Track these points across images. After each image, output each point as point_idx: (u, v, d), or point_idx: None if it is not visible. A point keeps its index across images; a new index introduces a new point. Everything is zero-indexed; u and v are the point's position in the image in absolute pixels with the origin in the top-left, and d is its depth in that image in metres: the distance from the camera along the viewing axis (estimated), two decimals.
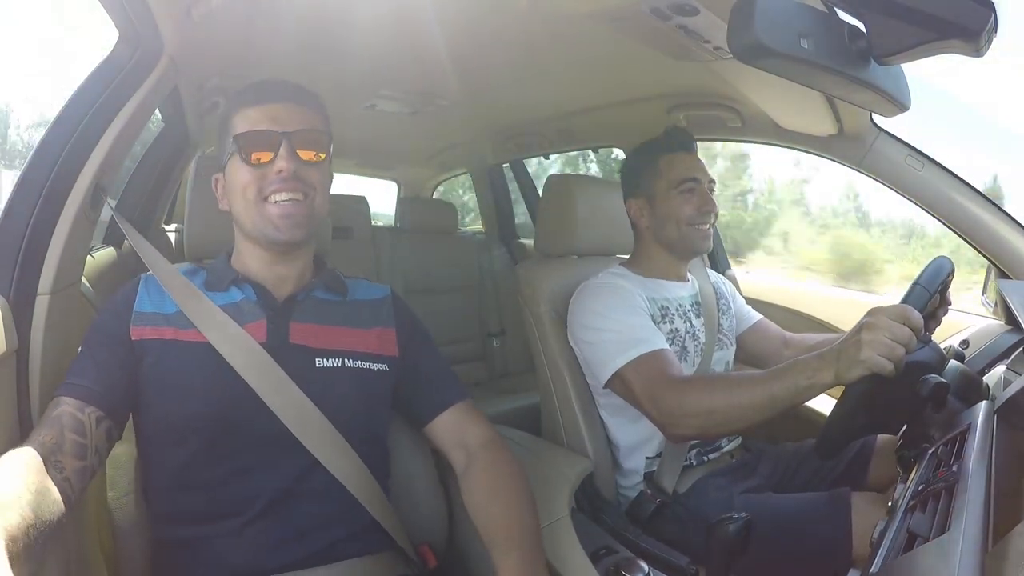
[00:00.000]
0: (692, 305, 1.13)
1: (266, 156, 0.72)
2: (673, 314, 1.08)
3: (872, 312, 0.71)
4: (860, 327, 0.70)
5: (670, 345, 1.04)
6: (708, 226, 1.09)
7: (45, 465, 0.56)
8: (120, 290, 0.75)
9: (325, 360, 0.75)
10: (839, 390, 0.74)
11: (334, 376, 0.75)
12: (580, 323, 1.04)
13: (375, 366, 0.79)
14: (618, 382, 0.97)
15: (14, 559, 0.45)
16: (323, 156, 0.76)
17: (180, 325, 0.71)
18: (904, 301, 0.75)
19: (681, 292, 1.13)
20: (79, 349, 0.70)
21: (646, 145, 1.15)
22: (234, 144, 0.73)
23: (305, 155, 0.74)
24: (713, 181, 1.11)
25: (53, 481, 0.56)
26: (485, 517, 0.73)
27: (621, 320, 0.99)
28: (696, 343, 1.10)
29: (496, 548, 0.69)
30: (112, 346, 0.69)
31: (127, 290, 0.75)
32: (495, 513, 0.73)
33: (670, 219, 1.09)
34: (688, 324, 1.10)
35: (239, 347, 0.70)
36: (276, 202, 0.72)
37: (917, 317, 0.70)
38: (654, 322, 1.02)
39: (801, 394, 0.76)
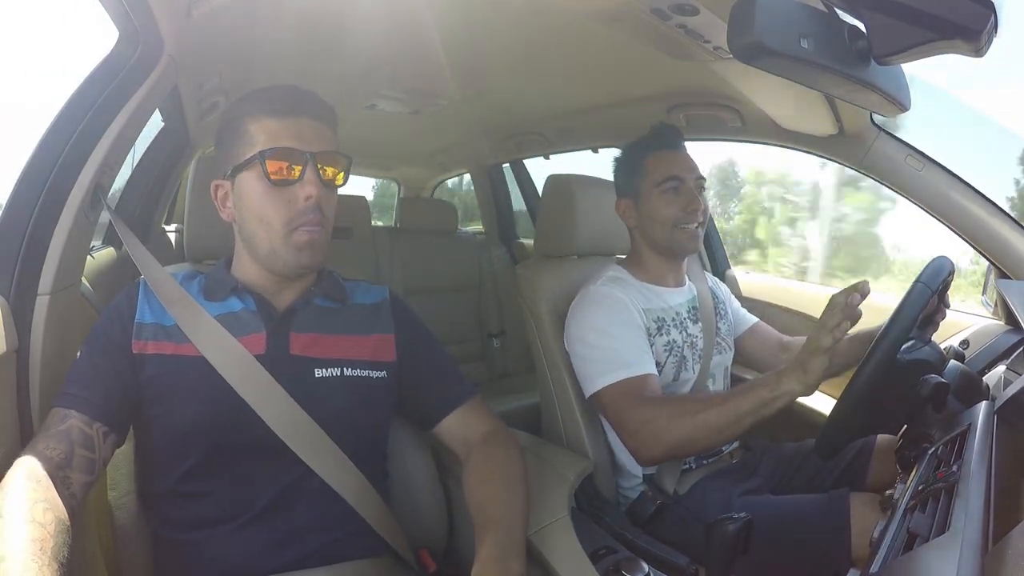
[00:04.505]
0: (689, 312, 1.12)
1: (292, 176, 0.70)
2: (669, 325, 1.07)
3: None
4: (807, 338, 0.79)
5: (668, 356, 1.04)
6: (695, 226, 1.07)
7: (52, 481, 0.56)
8: (121, 294, 0.74)
9: (324, 370, 0.75)
10: (839, 392, 0.74)
11: (332, 386, 0.75)
12: (576, 335, 1.04)
13: (374, 373, 0.79)
14: (596, 402, 0.99)
15: None
16: (342, 177, 0.75)
17: (179, 339, 0.71)
18: (905, 300, 0.75)
19: (677, 299, 1.12)
20: (79, 352, 0.70)
21: (633, 144, 1.14)
22: (258, 158, 0.70)
23: (328, 177, 0.72)
24: (702, 179, 1.09)
25: (61, 497, 0.56)
26: (475, 502, 0.74)
27: (615, 337, 0.99)
28: (695, 351, 1.09)
29: (479, 529, 0.69)
30: (114, 357, 0.69)
31: (129, 296, 0.74)
32: (484, 497, 0.73)
33: (655, 220, 1.07)
34: (685, 333, 1.08)
35: (232, 359, 0.70)
36: (302, 230, 0.72)
37: (838, 298, 0.76)
38: (649, 335, 1.02)
39: (767, 405, 0.80)
